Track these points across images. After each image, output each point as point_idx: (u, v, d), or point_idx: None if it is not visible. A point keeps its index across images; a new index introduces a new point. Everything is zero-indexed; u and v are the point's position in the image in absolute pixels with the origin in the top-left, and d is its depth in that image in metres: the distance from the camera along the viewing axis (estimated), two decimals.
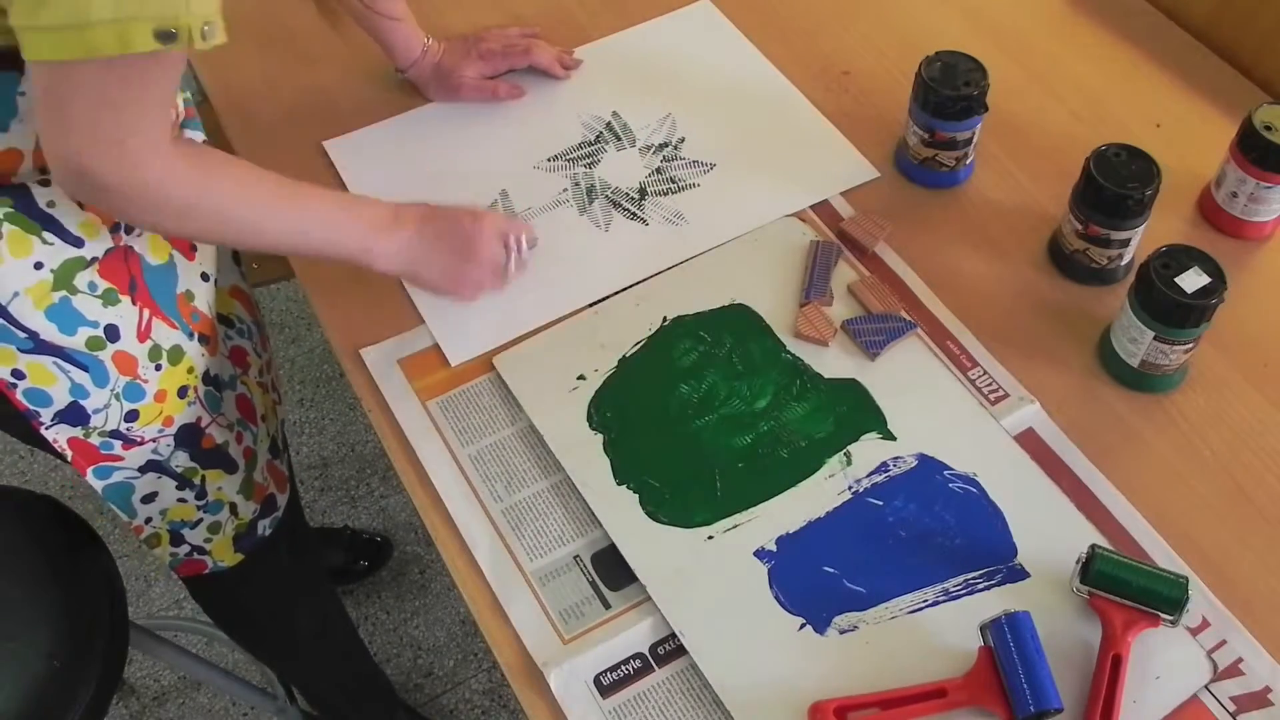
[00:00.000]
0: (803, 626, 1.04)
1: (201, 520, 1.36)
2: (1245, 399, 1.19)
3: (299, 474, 2.29)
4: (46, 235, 1.07)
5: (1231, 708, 1.00)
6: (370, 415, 1.21)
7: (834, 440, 1.15)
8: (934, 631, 1.04)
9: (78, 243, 1.09)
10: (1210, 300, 1.12)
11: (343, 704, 1.83)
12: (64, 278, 1.09)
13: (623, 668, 1.04)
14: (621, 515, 1.11)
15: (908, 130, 1.35)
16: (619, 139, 1.41)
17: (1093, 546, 1.03)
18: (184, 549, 1.39)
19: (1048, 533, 1.09)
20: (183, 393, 1.23)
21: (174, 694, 2.03)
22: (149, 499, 1.30)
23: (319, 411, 2.39)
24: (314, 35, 1.44)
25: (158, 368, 1.19)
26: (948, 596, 1.06)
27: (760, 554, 1.08)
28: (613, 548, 1.10)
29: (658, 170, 1.38)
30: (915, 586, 1.06)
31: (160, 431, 1.24)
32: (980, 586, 1.06)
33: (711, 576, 1.07)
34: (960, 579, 1.07)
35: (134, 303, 1.15)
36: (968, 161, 1.36)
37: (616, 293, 1.27)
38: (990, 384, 1.19)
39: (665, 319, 1.24)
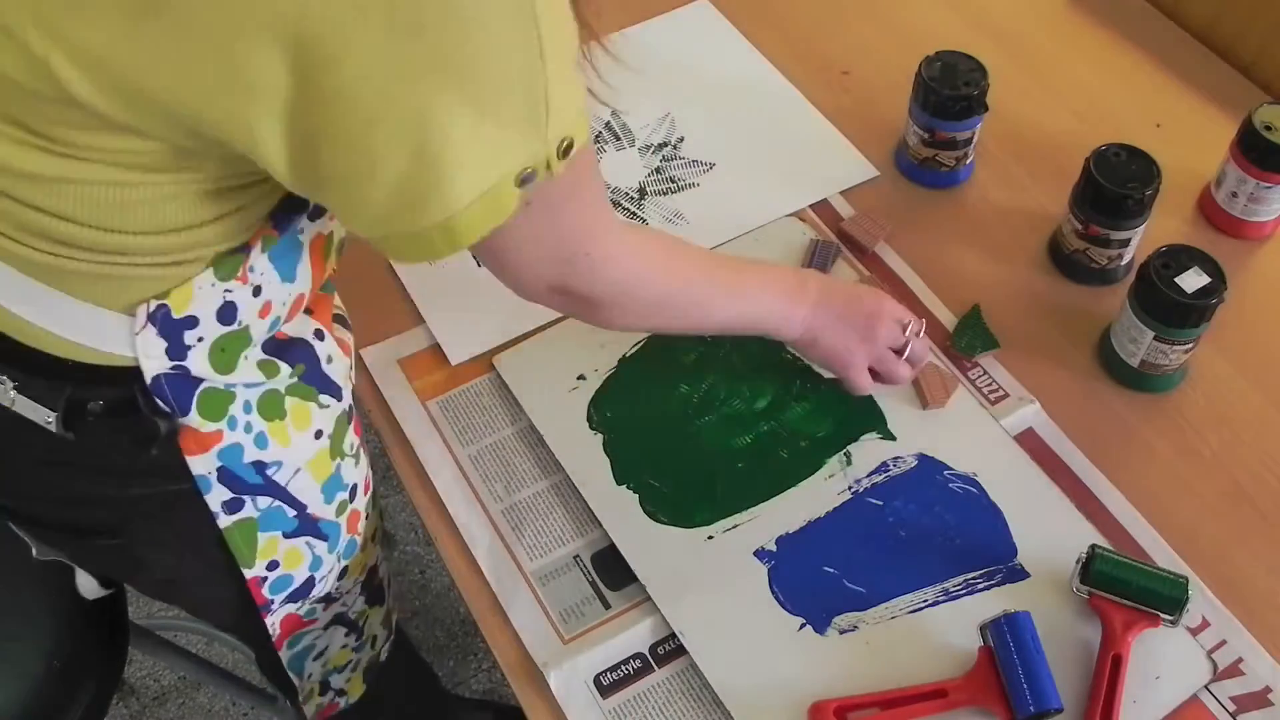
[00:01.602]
0: (803, 626, 1.04)
1: (350, 662, 1.28)
2: (1245, 399, 1.19)
3: None
4: (322, 398, 0.99)
5: (1231, 708, 1.00)
6: (370, 415, 1.21)
7: (834, 440, 1.15)
8: (934, 631, 1.04)
9: (340, 394, 1.01)
10: (1210, 300, 1.12)
11: None
12: (337, 443, 1.02)
13: (623, 668, 1.04)
14: (621, 515, 1.11)
15: (908, 130, 1.35)
16: (618, 139, 1.41)
17: (1093, 546, 1.03)
18: (328, 696, 1.31)
19: (1048, 533, 1.09)
20: (374, 536, 1.18)
21: (174, 694, 2.03)
22: (319, 655, 1.22)
23: None
24: None
25: (367, 517, 1.13)
26: (948, 596, 1.06)
27: (760, 554, 1.08)
28: (613, 548, 1.10)
29: (657, 170, 1.38)
30: (915, 586, 1.06)
31: (355, 581, 1.17)
32: (980, 586, 1.06)
33: (712, 576, 1.07)
34: (960, 579, 1.07)
35: (365, 453, 1.10)
36: (968, 161, 1.36)
37: None
38: (990, 384, 1.19)
39: None
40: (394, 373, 1.22)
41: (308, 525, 1.03)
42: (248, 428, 0.93)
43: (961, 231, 1.33)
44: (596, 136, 1.41)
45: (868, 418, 1.17)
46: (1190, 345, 1.16)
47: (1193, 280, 1.13)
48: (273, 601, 1.07)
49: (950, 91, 1.29)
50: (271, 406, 0.94)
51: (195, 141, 0.72)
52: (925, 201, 1.35)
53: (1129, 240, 1.24)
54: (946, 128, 1.31)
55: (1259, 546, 1.09)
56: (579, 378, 1.20)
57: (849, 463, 1.14)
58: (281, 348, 0.95)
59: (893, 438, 1.15)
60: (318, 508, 1.02)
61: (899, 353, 1.15)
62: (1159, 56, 1.49)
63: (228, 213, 0.81)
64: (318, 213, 0.89)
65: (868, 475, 1.13)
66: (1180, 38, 1.51)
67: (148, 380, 0.86)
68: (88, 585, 1.28)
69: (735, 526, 1.10)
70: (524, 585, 1.09)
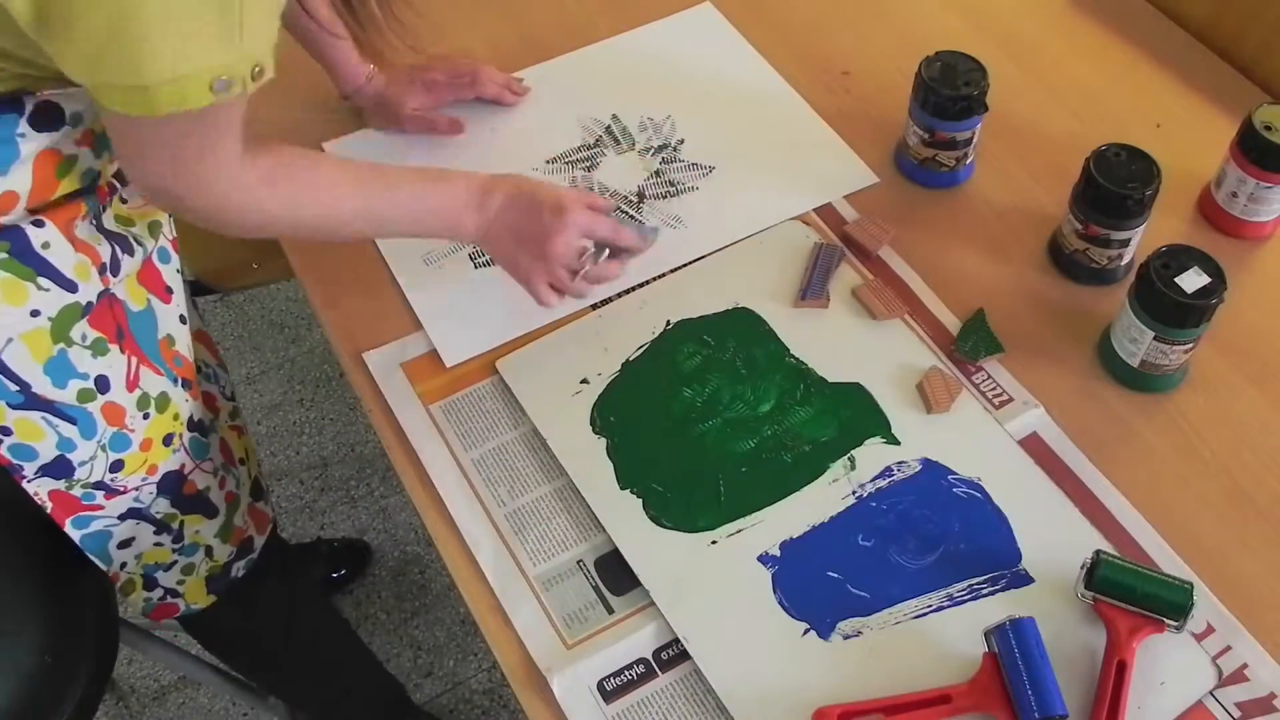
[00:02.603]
0: (807, 632, 1.04)
1: (175, 563, 1.34)
2: (1245, 399, 1.19)
3: (299, 474, 2.29)
4: (42, 281, 1.04)
5: (1237, 714, 1.00)
6: (372, 418, 1.20)
7: (838, 445, 1.15)
8: (938, 637, 1.04)
9: (72, 287, 1.07)
10: (1210, 300, 1.12)
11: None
12: (61, 328, 1.07)
13: (626, 673, 1.04)
14: (625, 520, 1.11)
15: (908, 130, 1.35)
16: (618, 142, 1.41)
17: (1097, 552, 1.03)
18: (157, 593, 1.37)
19: (1052, 538, 1.09)
20: (168, 440, 1.22)
21: (172, 693, 2.03)
22: (125, 545, 1.28)
23: (319, 411, 2.38)
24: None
25: (145, 416, 1.17)
26: (952, 602, 1.06)
27: (764, 559, 1.08)
28: (616, 552, 1.10)
29: (656, 173, 1.38)
30: (919, 592, 1.06)
31: (143, 480, 1.22)
32: (985, 592, 1.06)
33: (715, 581, 1.07)
34: (964, 584, 1.07)
35: (122, 351, 1.13)
36: (968, 161, 1.36)
37: (619, 296, 1.27)
38: (994, 388, 1.19)
39: (669, 323, 1.24)
40: (397, 376, 1.22)
41: (38, 402, 1.08)
42: None
43: (962, 232, 1.33)
44: (596, 140, 1.41)
45: (871, 422, 1.17)
46: (1190, 345, 1.16)
47: (1193, 280, 1.13)
48: (22, 468, 1.13)
49: (950, 91, 1.29)
50: None
51: None
52: (925, 202, 1.35)
53: (1129, 240, 1.24)
54: (946, 128, 1.31)
55: (1260, 547, 1.09)
56: (582, 381, 1.20)
57: (853, 467, 1.14)
58: None
59: (897, 442, 1.15)
60: (45, 389, 1.07)
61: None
62: (1159, 56, 1.49)
63: None
64: (44, 125, 1.00)
65: (871, 480, 1.13)
66: (1180, 38, 1.51)
67: None
68: None
69: (739, 531, 1.10)
70: (527, 590, 1.09)
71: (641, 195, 1.36)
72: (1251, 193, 1.27)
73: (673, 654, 1.05)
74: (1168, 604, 1.01)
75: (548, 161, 1.39)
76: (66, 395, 1.09)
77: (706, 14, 1.56)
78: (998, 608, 1.05)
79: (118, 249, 1.11)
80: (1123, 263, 1.27)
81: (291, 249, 1.33)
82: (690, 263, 1.29)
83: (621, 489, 1.13)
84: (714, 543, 1.10)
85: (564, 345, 1.23)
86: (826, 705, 0.99)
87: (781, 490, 1.13)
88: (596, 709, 1.02)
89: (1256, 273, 1.29)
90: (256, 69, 0.89)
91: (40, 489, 1.16)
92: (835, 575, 1.07)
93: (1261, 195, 1.27)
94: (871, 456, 1.15)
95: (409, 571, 2.14)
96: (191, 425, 1.25)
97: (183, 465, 1.25)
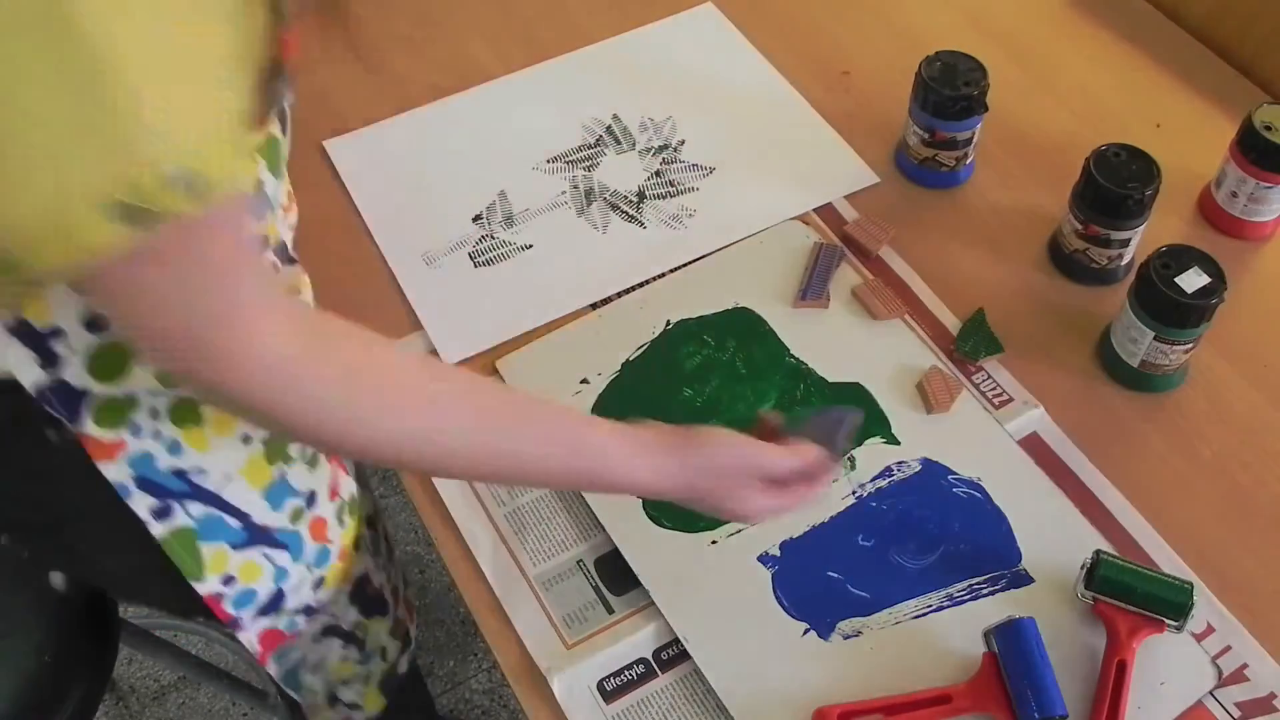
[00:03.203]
0: (807, 632, 1.04)
1: (356, 675, 1.26)
2: (1245, 399, 1.19)
3: None
4: None
5: (1237, 714, 1.00)
6: None
7: None
8: (938, 637, 1.04)
9: None
10: (1210, 300, 1.12)
11: None
12: (275, 447, 0.98)
13: (626, 673, 1.04)
14: (625, 520, 1.11)
15: (908, 130, 1.35)
16: (619, 142, 1.41)
17: (1097, 552, 1.03)
18: (339, 711, 1.28)
19: (1052, 538, 1.09)
20: (358, 544, 1.15)
21: (172, 693, 2.03)
22: (316, 669, 1.19)
23: None
24: (314, 35, 1.43)
25: (341, 524, 1.10)
26: (952, 602, 1.06)
27: (764, 559, 1.08)
28: (616, 552, 1.10)
29: (657, 173, 1.38)
30: (919, 592, 1.06)
31: (338, 591, 1.14)
32: (985, 592, 1.06)
33: (715, 582, 1.07)
34: (964, 584, 1.07)
35: (329, 459, 1.06)
36: (968, 161, 1.36)
37: (619, 295, 1.27)
38: (994, 388, 1.19)
39: (669, 322, 1.24)
40: None
41: (258, 535, 1.00)
42: (156, 435, 0.91)
43: (962, 232, 1.33)
44: (597, 140, 1.41)
45: (872, 422, 1.17)
46: (1190, 345, 1.16)
47: (1193, 280, 1.13)
48: (240, 619, 1.04)
49: (950, 91, 1.29)
50: (186, 413, 0.92)
51: None
52: (925, 202, 1.35)
53: (1129, 240, 1.24)
54: (946, 128, 1.31)
55: (1260, 547, 1.10)
56: (582, 381, 1.20)
57: (853, 467, 1.14)
58: None
59: (897, 442, 1.15)
60: (264, 516, 1.00)
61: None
62: (1159, 56, 1.49)
63: None
64: None
65: (872, 480, 1.13)
66: (1180, 38, 1.51)
67: (30, 392, 0.86)
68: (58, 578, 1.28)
69: (739, 531, 1.10)
70: (527, 590, 1.09)
71: (642, 195, 1.36)
72: (1251, 193, 1.27)
73: (673, 654, 1.05)
74: (1168, 604, 1.01)
75: (548, 161, 1.39)
76: (282, 518, 1.02)
77: (707, 14, 1.56)
78: (998, 608, 1.05)
79: None
80: (1123, 263, 1.27)
81: (293, 248, 1.33)
82: (690, 263, 1.29)
83: None
84: (714, 543, 1.10)
85: (564, 345, 1.23)
86: (826, 705, 0.99)
87: None
88: (596, 709, 1.02)
89: (1256, 273, 1.29)
90: (184, 174, 0.63)
91: (253, 633, 1.08)
92: (835, 575, 1.07)
93: (1261, 195, 1.27)
94: (871, 456, 1.15)
95: (408, 571, 2.14)
96: (368, 522, 1.18)
97: (366, 568, 1.18)
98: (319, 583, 1.11)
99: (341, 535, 1.11)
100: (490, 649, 1.07)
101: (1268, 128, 1.24)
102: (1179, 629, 1.01)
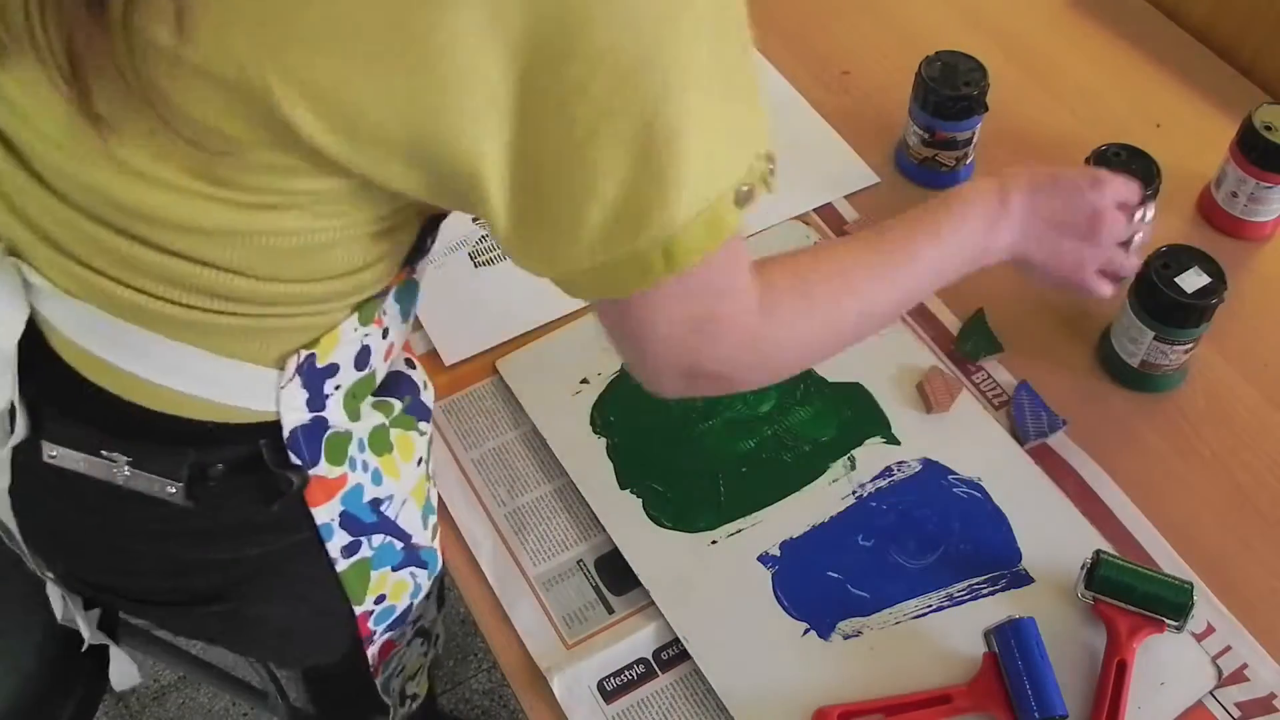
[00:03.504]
0: (807, 632, 1.04)
1: (421, 667, 1.25)
2: (1245, 399, 1.19)
3: None
4: (421, 425, 0.95)
5: (1237, 714, 1.00)
6: None
7: (838, 444, 1.15)
8: (938, 637, 1.04)
9: (429, 415, 0.97)
10: (1210, 300, 1.12)
11: None
12: (428, 464, 0.99)
13: (626, 673, 1.04)
14: (625, 520, 1.11)
15: (908, 130, 1.35)
16: None
17: (1097, 552, 1.03)
18: (407, 705, 1.27)
19: (1052, 538, 1.09)
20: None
21: (172, 693, 2.03)
22: (400, 671, 1.19)
23: None
24: None
25: (439, 527, 1.09)
26: (952, 602, 1.06)
27: (764, 559, 1.08)
28: (616, 552, 1.10)
29: None
30: (919, 592, 1.06)
31: (432, 595, 1.13)
32: (985, 592, 1.06)
33: (715, 581, 1.07)
34: (964, 584, 1.07)
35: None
36: (968, 161, 1.36)
37: None
38: (994, 387, 1.19)
39: None
40: None
41: (412, 556, 1.00)
42: (364, 466, 0.90)
43: None
44: None
45: (871, 422, 1.17)
46: (1190, 345, 1.16)
47: (1193, 280, 1.13)
48: (375, 633, 1.04)
49: (950, 91, 1.29)
50: (380, 441, 0.92)
51: (410, 173, 0.68)
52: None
53: (1129, 240, 1.24)
54: (946, 128, 1.31)
55: (1260, 548, 1.10)
56: (582, 381, 1.20)
57: (853, 467, 1.14)
58: (387, 383, 0.93)
59: (897, 442, 1.15)
60: (419, 536, 1.00)
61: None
62: (1159, 56, 1.49)
63: (382, 256, 0.79)
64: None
65: (872, 480, 1.13)
66: (1180, 38, 1.51)
67: (286, 434, 0.83)
68: (122, 673, 1.21)
69: (739, 531, 1.10)
70: (527, 589, 1.09)
71: None
72: (1251, 193, 1.27)
73: (673, 654, 1.05)
74: (1168, 604, 1.01)
75: None
76: (427, 535, 1.02)
77: None
78: (998, 608, 1.05)
79: None
80: None
81: None
82: None
83: (621, 489, 1.13)
84: (714, 543, 1.10)
85: (564, 345, 1.23)
86: (826, 705, 1.00)
87: (781, 490, 1.13)
88: (596, 709, 1.02)
89: (1256, 273, 1.29)
90: (769, 158, 0.72)
91: (378, 645, 1.07)
92: (835, 575, 1.07)
93: (1261, 195, 1.27)
94: (871, 456, 1.15)
95: None
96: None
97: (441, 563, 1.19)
98: (427, 591, 1.10)
99: (437, 539, 1.10)
100: (490, 649, 1.07)
101: (1268, 128, 1.24)
102: (1179, 629, 1.01)
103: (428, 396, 0.98)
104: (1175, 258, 1.14)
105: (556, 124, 0.64)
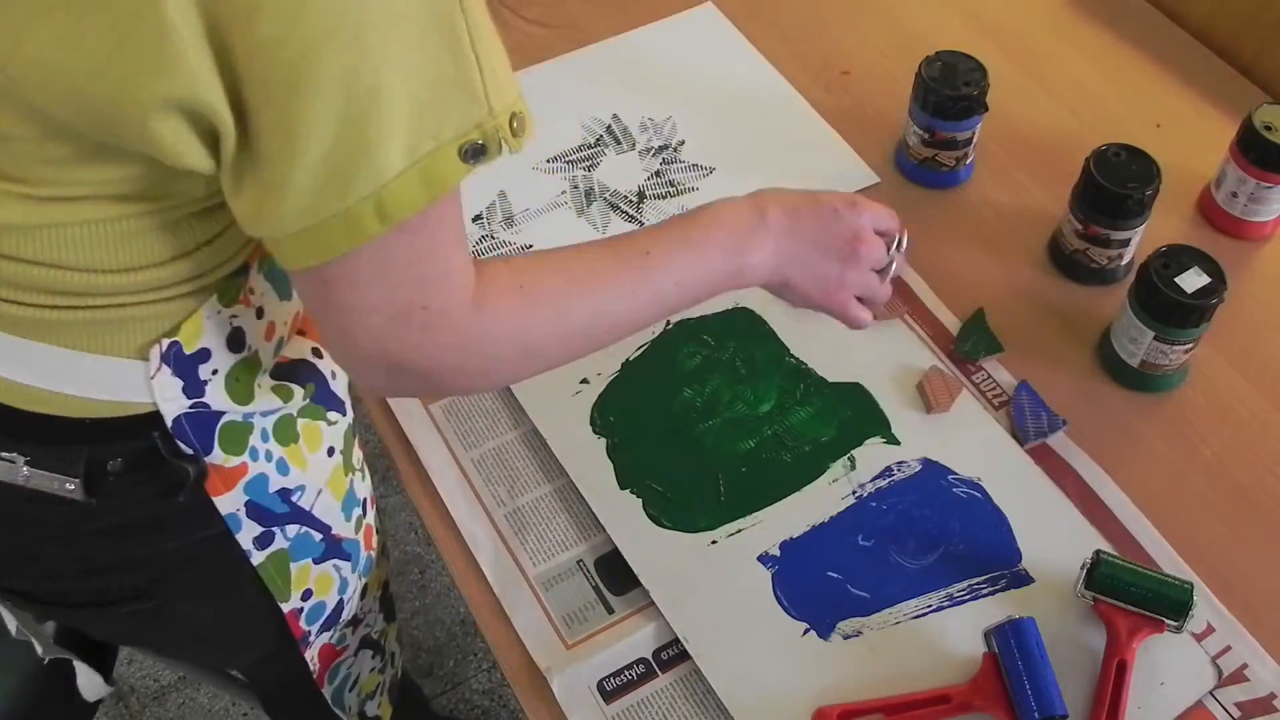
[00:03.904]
0: (807, 632, 1.04)
1: (379, 685, 1.26)
2: (1245, 399, 1.19)
3: None
4: (330, 415, 0.96)
5: (1237, 714, 1.00)
6: (372, 418, 1.20)
7: (838, 445, 1.15)
8: (938, 637, 1.04)
9: (344, 408, 0.97)
10: (1210, 300, 1.12)
11: None
12: (347, 457, 0.99)
13: (626, 673, 1.04)
14: (625, 520, 1.11)
15: (908, 130, 1.35)
16: (619, 142, 1.41)
17: (1097, 552, 1.03)
18: None
19: (1052, 538, 1.09)
20: (384, 549, 1.16)
21: (172, 693, 2.03)
22: (354, 684, 1.20)
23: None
24: None
25: (378, 530, 1.11)
26: (952, 602, 1.06)
27: (764, 559, 1.08)
28: (616, 552, 1.10)
29: (657, 173, 1.38)
30: (919, 592, 1.06)
31: (375, 601, 1.16)
32: (984, 592, 1.06)
33: (715, 581, 1.07)
34: (964, 584, 1.07)
35: (372, 469, 1.07)
36: (968, 161, 1.36)
37: None
38: (994, 387, 1.19)
39: (669, 322, 1.24)
40: None
41: (333, 547, 1.01)
42: (268, 456, 0.91)
43: (962, 232, 1.33)
44: (597, 140, 1.41)
45: (871, 422, 1.17)
46: (1190, 345, 1.16)
47: (1193, 280, 1.13)
48: (310, 633, 1.05)
49: (950, 91, 1.29)
50: (286, 430, 0.93)
51: (157, 136, 0.67)
52: (926, 202, 1.35)
53: (1129, 240, 1.24)
54: (946, 128, 1.31)
55: (1260, 547, 1.10)
56: (582, 381, 1.20)
57: (853, 467, 1.14)
58: (289, 371, 0.93)
59: (897, 442, 1.15)
60: (340, 527, 1.01)
61: (882, 272, 1.01)
62: (1159, 56, 1.49)
63: (218, 234, 0.80)
64: None
65: (871, 480, 1.13)
66: (1180, 38, 1.51)
67: (169, 424, 0.84)
68: (90, 684, 1.22)
69: (739, 531, 1.10)
70: (527, 590, 1.08)
71: (642, 195, 1.36)
72: (1251, 193, 1.27)
73: (673, 654, 1.05)
74: (1168, 604, 1.01)
75: (548, 161, 1.39)
76: (350, 528, 1.03)
77: (707, 14, 1.56)
78: (998, 608, 1.05)
79: None
80: (1123, 263, 1.27)
81: None
82: None
83: (621, 489, 1.13)
84: (714, 543, 1.10)
85: None
86: (826, 705, 1.00)
87: (781, 490, 1.13)
88: (596, 709, 1.02)
89: (1256, 273, 1.29)
90: (515, 119, 0.70)
91: (316, 648, 1.09)
92: (835, 575, 1.07)
93: (1261, 195, 1.27)
94: (871, 456, 1.15)
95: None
96: (378, 524, 1.18)
97: (387, 572, 1.20)
98: (364, 591, 1.11)
99: (376, 541, 1.12)
100: (490, 649, 1.07)
101: (1268, 128, 1.24)
102: (1179, 629, 1.01)
103: (339, 386, 0.98)
104: (1175, 258, 1.14)
105: (256, 81, 0.64)
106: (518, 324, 0.81)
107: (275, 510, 0.93)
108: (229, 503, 0.90)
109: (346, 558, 1.04)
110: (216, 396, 0.85)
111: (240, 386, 0.87)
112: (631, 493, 1.13)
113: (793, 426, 1.17)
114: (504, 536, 1.12)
